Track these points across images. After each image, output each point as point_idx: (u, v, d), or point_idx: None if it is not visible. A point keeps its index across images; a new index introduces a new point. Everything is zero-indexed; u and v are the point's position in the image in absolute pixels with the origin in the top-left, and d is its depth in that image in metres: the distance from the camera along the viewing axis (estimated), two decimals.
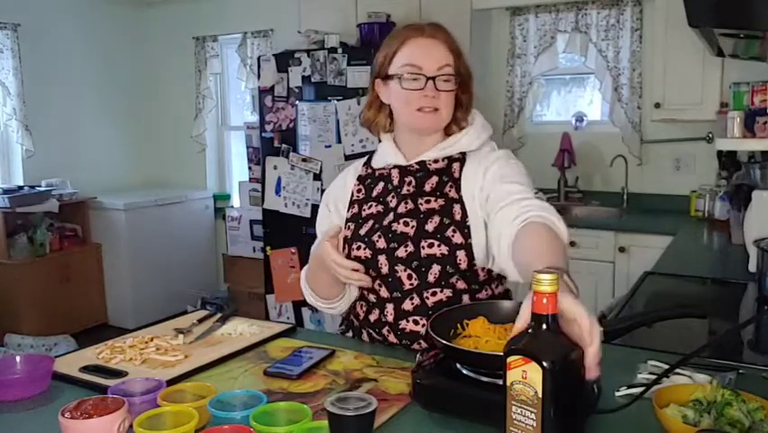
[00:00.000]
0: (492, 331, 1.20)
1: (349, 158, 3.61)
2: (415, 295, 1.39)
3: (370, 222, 1.46)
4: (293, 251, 3.89)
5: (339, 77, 3.62)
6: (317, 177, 3.74)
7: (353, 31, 3.87)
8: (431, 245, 1.37)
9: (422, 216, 1.40)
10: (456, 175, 1.43)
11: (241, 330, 1.57)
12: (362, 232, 1.45)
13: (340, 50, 3.62)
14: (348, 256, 1.43)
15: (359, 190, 1.52)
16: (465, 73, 1.44)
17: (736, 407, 1.00)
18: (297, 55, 3.75)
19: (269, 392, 1.20)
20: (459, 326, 1.23)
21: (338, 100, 3.63)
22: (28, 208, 4.23)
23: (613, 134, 3.80)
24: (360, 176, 1.54)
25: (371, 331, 1.49)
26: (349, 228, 1.48)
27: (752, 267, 2.10)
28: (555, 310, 0.88)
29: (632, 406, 1.09)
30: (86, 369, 1.33)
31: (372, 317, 1.47)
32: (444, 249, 1.37)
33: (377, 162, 1.53)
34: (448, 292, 1.39)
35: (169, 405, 1.07)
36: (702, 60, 3.22)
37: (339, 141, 3.65)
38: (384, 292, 1.43)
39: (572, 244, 3.36)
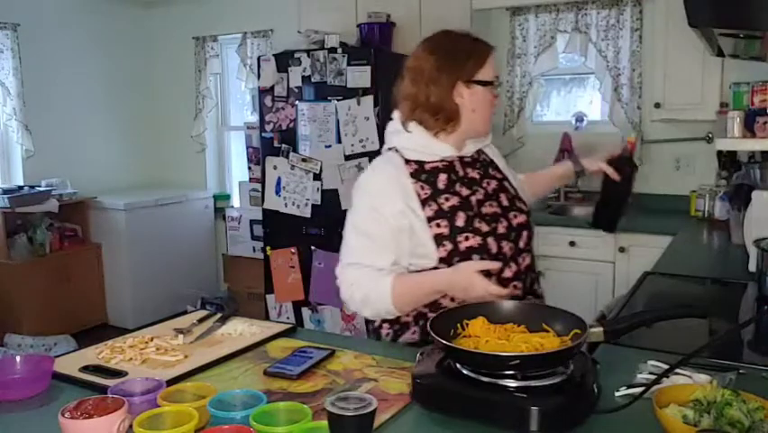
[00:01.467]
0: (492, 331, 1.21)
1: (349, 158, 3.61)
2: (512, 263, 1.53)
3: (461, 213, 1.49)
4: (293, 251, 3.89)
5: (339, 77, 3.62)
6: (317, 177, 3.74)
7: (353, 31, 3.87)
8: (515, 216, 1.56)
9: (493, 195, 1.56)
10: (488, 160, 1.65)
11: (241, 330, 1.58)
12: (461, 223, 1.48)
13: (340, 50, 3.62)
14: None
15: (422, 188, 1.50)
16: None
17: (736, 407, 1.00)
18: (296, 55, 3.75)
19: (269, 392, 1.20)
20: (459, 326, 1.23)
21: (338, 100, 3.63)
22: (28, 208, 4.23)
23: (613, 134, 3.80)
24: (411, 173, 1.52)
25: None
26: (439, 225, 1.47)
27: (752, 267, 2.10)
28: None
29: (632, 406, 1.09)
30: (86, 369, 1.33)
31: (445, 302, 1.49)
32: (523, 217, 1.58)
33: (423, 156, 1.53)
34: (530, 256, 1.59)
35: (168, 405, 1.07)
36: (702, 60, 3.22)
37: (339, 141, 3.65)
38: (494, 265, 1.48)
39: (572, 243, 3.36)
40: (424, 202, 1.48)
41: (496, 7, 3.89)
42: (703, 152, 3.58)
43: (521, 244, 1.55)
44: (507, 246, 1.51)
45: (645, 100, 3.64)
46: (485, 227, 1.49)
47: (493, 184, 1.58)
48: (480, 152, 1.63)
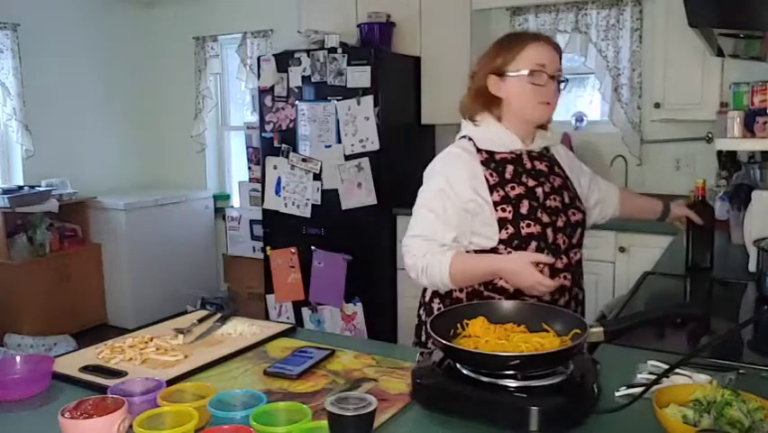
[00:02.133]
0: (492, 331, 1.21)
1: (349, 158, 3.61)
2: (564, 255, 1.61)
3: (525, 201, 1.58)
4: (293, 251, 3.89)
5: (339, 77, 3.62)
6: (317, 177, 3.74)
7: (353, 31, 3.87)
8: (573, 213, 1.65)
9: (558, 191, 1.65)
10: (556, 159, 1.74)
11: (241, 330, 1.58)
12: (524, 211, 1.57)
13: (340, 50, 3.62)
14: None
15: (491, 175, 1.60)
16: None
17: (736, 407, 1.00)
18: (296, 55, 3.75)
19: (269, 392, 1.20)
20: (459, 326, 1.23)
21: (338, 100, 3.63)
22: (28, 208, 4.23)
23: (613, 134, 3.80)
24: (482, 161, 1.62)
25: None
26: (504, 210, 1.56)
27: (752, 267, 2.10)
28: None
29: (632, 406, 1.09)
30: (86, 369, 1.33)
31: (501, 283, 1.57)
32: (580, 216, 1.67)
33: (494, 147, 1.63)
34: (581, 252, 1.69)
35: (168, 405, 1.07)
36: (702, 60, 3.22)
37: (339, 141, 3.65)
38: (548, 259, 1.55)
39: None
40: (492, 188, 1.58)
41: (496, 7, 3.89)
42: (703, 152, 3.58)
43: (574, 240, 1.65)
44: (561, 239, 1.60)
45: (645, 100, 3.64)
46: (546, 218, 1.58)
47: (558, 181, 1.67)
48: (547, 149, 1.73)
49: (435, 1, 3.78)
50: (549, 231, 1.59)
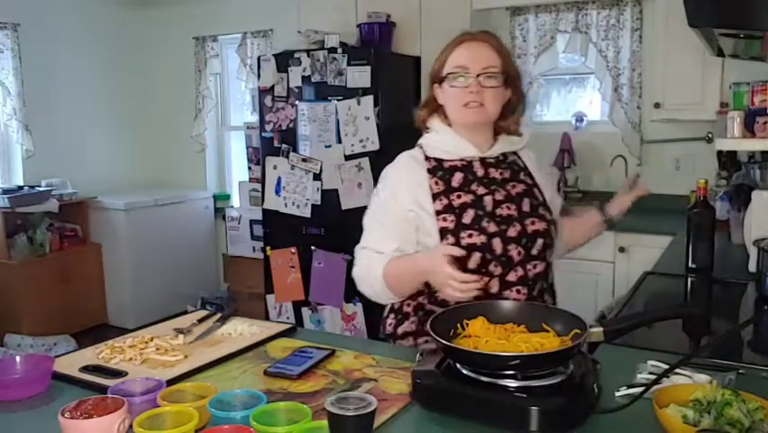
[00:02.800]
0: (492, 331, 1.21)
1: (349, 158, 3.61)
2: (519, 267, 1.53)
3: (470, 210, 1.51)
4: (293, 251, 3.88)
5: (339, 77, 3.62)
6: (317, 177, 3.74)
7: (353, 31, 3.87)
8: (533, 222, 1.56)
9: (515, 199, 1.57)
10: (522, 165, 1.66)
11: (241, 330, 1.58)
12: (468, 220, 1.51)
13: (340, 50, 3.62)
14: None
15: (436, 183, 1.55)
16: (513, 73, 1.59)
17: (736, 407, 1.00)
18: (296, 55, 3.75)
19: (269, 392, 1.20)
20: (459, 326, 1.23)
21: (338, 100, 3.63)
22: (28, 208, 4.23)
23: (613, 134, 3.80)
24: (429, 169, 1.58)
25: None
26: (445, 219, 1.51)
27: (752, 267, 2.10)
28: None
29: (632, 406, 1.09)
30: (85, 369, 1.33)
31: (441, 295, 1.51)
32: (544, 225, 1.57)
33: (443, 155, 1.59)
34: (544, 264, 1.58)
35: (168, 405, 1.07)
36: (702, 60, 3.22)
37: (339, 141, 3.65)
38: (497, 271, 1.51)
39: None
40: (435, 196, 1.54)
41: (496, 7, 3.89)
42: (703, 151, 3.58)
43: (534, 251, 1.55)
44: (515, 250, 1.51)
45: (645, 100, 3.64)
46: (493, 228, 1.50)
47: (519, 188, 1.59)
48: (510, 155, 1.64)
49: (435, 1, 3.78)
50: (496, 241, 1.50)
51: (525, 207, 1.57)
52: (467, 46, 1.55)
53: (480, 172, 1.57)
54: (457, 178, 1.56)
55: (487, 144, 1.59)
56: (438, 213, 1.52)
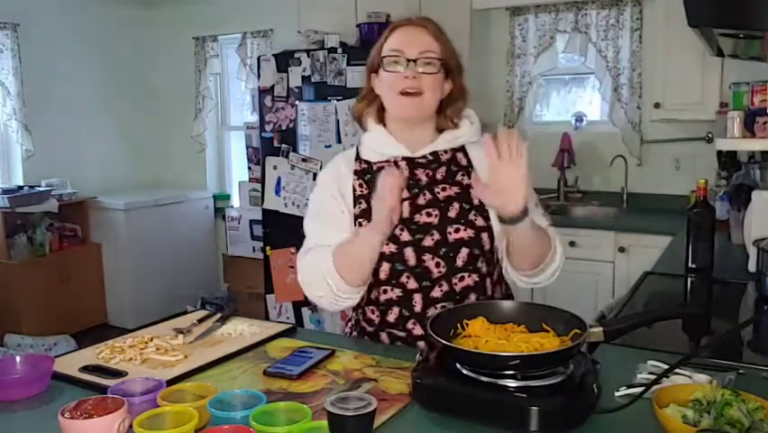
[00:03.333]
0: (492, 331, 1.20)
1: None
2: (443, 282, 1.41)
3: None
4: (293, 251, 3.88)
5: (339, 77, 3.62)
6: (317, 177, 3.74)
7: (353, 31, 3.87)
8: (457, 230, 1.41)
9: (442, 204, 1.43)
10: (464, 163, 1.48)
11: (241, 330, 1.57)
12: None
13: (340, 50, 3.62)
14: None
15: (360, 185, 1.48)
16: (454, 64, 1.47)
17: (736, 407, 1.00)
18: (296, 55, 3.75)
19: (269, 392, 1.20)
20: (459, 326, 1.23)
21: (338, 100, 3.63)
22: (28, 208, 4.22)
23: (613, 134, 3.80)
24: (356, 170, 1.50)
25: (393, 330, 1.47)
26: (361, 225, 1.44)
27: (752, 267, 2.10)
28: None
29: (632, 406, 1.09)
30: (85, 369, 1.33)
31: (392, 317, 1.46)
32: (471, 232, 1.42)
33: (371, 156, 1.50)
34: (475, 277, 1.43)
35: (168, 405, 1.07)
36: (702, 60, 3.22)
37: (339, 141, 3.65)
38: (412, 284, 1.42)
39: (572, 244, 3.36)
40: (356, 199, 1.47)
41: (496, 7, 3.89)
42: (703, 151, 3.58)
43: (459, 262, 1.41)
44: (432, 261, 1.41)
45: (645, 100, 3.64)
46: (406, 236, 1.41)
47: (451, 191, 1.44)
48: (447, 153, 1.48)
49: (435, 1, 3.77)
50: (408, 251, 1.40)
51: (452, 212, 1.43)
52: (403, 31, 1.45)
53: (406, 174, 1.44)
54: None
55: (423, 143, 1.47)
56: (356, 217, 1.46)
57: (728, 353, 1.45)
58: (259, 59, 3.93)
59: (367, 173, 1.49)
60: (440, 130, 1.49)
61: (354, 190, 1.48)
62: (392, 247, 1.41)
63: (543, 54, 3.91)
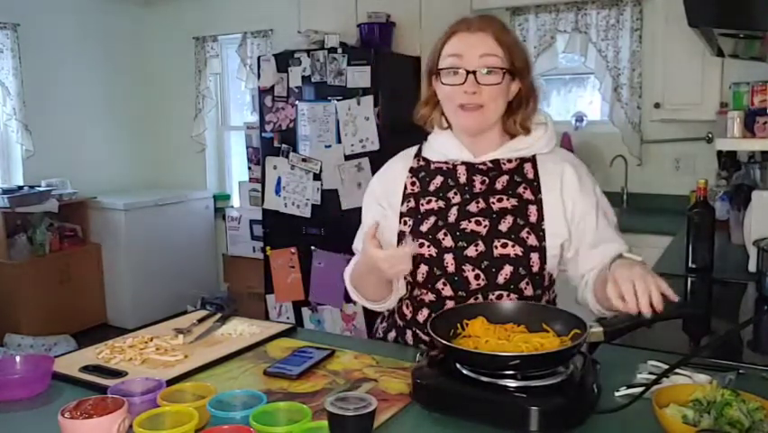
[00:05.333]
0: (492, 331, 1.20)
1: (349, 158, 3.61)
2: (480, 296, 1.36)
3: (432, 218, 1.39)
4: (293, 251, 3.88)
5: (339, 77, 3.62)
6: (317, 177, 3.74)
7: (353, 31, 3.87)
8: (504, 245, 1.34)
9: (494, 215, 1.36)
10: (530, 176, 1.40)
11: (241, 330, 1.57)
12: (424, 229, 1.38)
13: (340, 50, 3.62)
14: None
15: (413, 183, 1.44)
16: (520, 65, 1.36)
17: (736, 407, 1.00)
18: (296, 55, 3.75)
19: (269, 392, 1.20)
20: (459, 326, 1.23)
21: (338, 100, 3.63)
22: (28, 208, 4.23)
23: (613, 134, 3.80)
24: (412, 168, 1.47)
25: (419, 331, 1.46)
26: (406, 223, 1.41)
27: (752, 267, 2.10)
28: None
29: (632, 406, 1.09)
30: (85, 369, 1.33)
31: (421, 318, 1.44)
32: (519, 250, 1.34)
33: (433, 155, 1.46)
34: (514, 297, 1.35)
35: (168, 405, 1.07)
36: (702, 60, 3.21)
37: (339, 141, 3.65)
38: (447, 291, 1.38)
39: None
40: (406, 197, 1.44)
41: (496, 7, 3.88)
42: (703, 151, 3.58)
43: (500, 279, 1.34)
44: (472, 273, 1.35)
45: (645, 100, 3.64)
46: (449, 242, 1.36)
47: (507, 203, 1.36)
48: (511, 162, 1.41)
49: (435, 1, 3.78)
50: (449, 257, 1.35)
51: (503, 225, 1.35)
52: (461, 37, 1.34)
53: (463, 179, 1.40)
54: (437, 181, 1.43)
55: (487, 149, 1.40)
56: (402, 215, 1.43)
57: (728, 353, 1.45)
58: (259, 59, 3.93)
59: (421, 171, 1.46)
60: (511, 135, 1.42)
61: (405, 188, 1.45)
62: (432, 250, 1.37)
63: (543, 54, 3.90)
